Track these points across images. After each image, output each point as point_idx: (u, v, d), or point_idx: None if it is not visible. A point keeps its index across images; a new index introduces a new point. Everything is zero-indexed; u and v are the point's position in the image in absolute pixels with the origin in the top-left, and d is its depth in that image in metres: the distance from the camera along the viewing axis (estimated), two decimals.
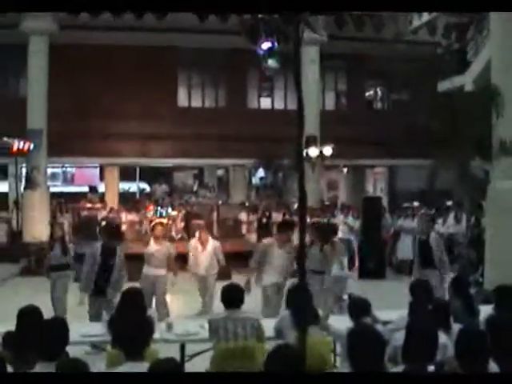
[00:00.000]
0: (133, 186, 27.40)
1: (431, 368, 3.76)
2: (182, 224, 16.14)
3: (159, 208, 16.05)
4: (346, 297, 8.76)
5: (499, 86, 10.54)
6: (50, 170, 20.80)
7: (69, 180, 27.54)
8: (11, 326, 4.60)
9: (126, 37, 18.39)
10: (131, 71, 19.08)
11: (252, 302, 5.85)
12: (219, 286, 6.15)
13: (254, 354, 5.17)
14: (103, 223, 12.53)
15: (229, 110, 20.68)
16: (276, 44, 5.46)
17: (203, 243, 10.32)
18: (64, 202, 17.00)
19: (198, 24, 17.71)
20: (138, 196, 24.71)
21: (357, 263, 14.70)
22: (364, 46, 19.12)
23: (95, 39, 18.31)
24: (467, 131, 11.96)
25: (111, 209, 16.86)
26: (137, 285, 8.22)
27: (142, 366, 3.60)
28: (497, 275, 9.46)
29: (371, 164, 23.89)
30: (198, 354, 6.13)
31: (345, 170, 25.19)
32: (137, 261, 9.36)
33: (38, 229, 15.59)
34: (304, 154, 9.00)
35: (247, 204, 19.34)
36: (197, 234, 10.83)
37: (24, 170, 18.04)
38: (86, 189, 21.25)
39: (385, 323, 5.56)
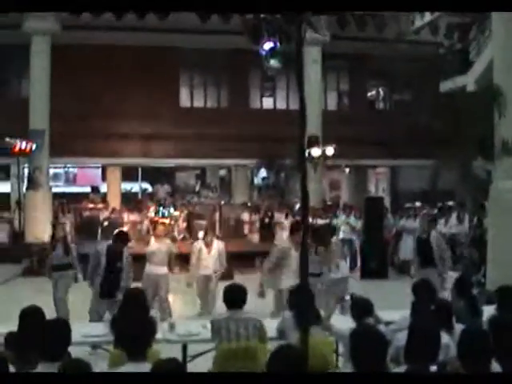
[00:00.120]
0: (135, 187, 27.35)
1: (433, 368, 3.75)
2: (184, 224, 16.15)
3: (161, 208, 16.02)
4: (348, 297, 8.74)
5: (501, 86, 10.53)
6: (52, 171, 20.86)
7: (71, 180, 27.52)
8: (13, 326, 4.60)
9: (128, 37, 18.39)
10: (133, 71, 19.11)
11: (252, 303, 5.84)
12: (221, 286, 6.13)
13: (256, 355, 5.15)
14: (105, 223, 12.54)
15: (231, 110, 20.69)
16: (278, 44, 5.44)
17: (208, 244, 10.23)
18: (66, 203, 17.05)
19: (199, 24, 17.69)
20: (140, 196, 24.66)
21: (359, 263, 14.71)
22: (366, 45, 19.10)
23: (97, 39, 18.33)
24: (469, 131, 11.97)
25: (113, 209, 16.89)
26: (139, 285, 8.25)
27: (144, 367, 3.61)
28: (499, 275, 9.43)
29: (373, 164, 23.86)
30: (200, 354, 6.13)
31: (347, 170, 25.17)
32: (139, 261, 9.35)
33: (40, 229, 15.57)
34: (306, 154, 8.96)
35: (249, 204, 19.37)
36: (201, 235, 10.78)
37: (26, 171, 18.08)
38: (88, 189, 21.22)
39: (387, 323, 5.55)
